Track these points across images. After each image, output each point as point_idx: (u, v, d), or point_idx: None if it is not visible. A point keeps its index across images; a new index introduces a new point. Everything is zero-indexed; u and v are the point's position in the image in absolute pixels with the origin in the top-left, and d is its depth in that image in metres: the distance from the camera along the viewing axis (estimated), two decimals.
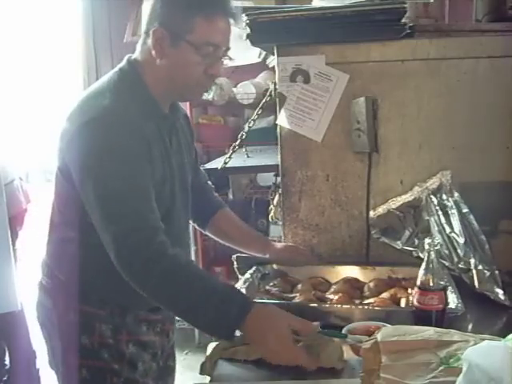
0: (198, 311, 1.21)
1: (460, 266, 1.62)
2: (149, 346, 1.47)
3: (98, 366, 1.39)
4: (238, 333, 1.26)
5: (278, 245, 1.77)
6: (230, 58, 1.39)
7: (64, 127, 1.34)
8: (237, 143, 2.15)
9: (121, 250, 1.23)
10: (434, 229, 1.71)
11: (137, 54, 1.40)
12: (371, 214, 1.82)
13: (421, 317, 1.30)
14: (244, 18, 1.72)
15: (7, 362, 1.87)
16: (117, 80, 1.37)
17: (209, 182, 1.75)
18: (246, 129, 2.13)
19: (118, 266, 1.24)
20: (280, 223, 1.98)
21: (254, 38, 1.76)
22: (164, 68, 1.34)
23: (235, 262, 1.74)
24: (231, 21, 1.35)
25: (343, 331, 1.30)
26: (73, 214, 1.36)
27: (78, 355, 1.38)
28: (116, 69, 1.41)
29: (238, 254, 1.74)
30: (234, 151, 2.17)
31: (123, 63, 1.41)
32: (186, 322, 1.26)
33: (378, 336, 1.01)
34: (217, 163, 2.29)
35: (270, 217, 2.38)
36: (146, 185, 1.28)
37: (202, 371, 1.29)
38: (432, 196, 1.74)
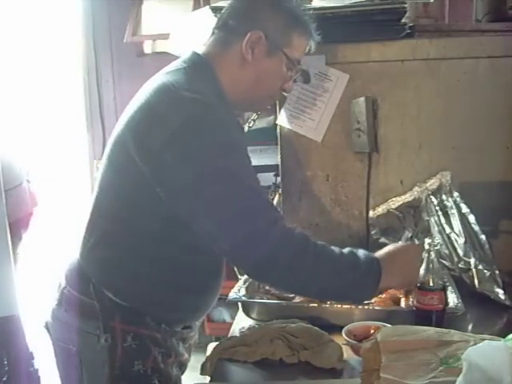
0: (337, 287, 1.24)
1: (460, 265, 1.62)
2: (184, 365, 1.41)
3: None
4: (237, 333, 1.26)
5: None
6: (297, 76, 1.40)
7: (148, 122, 1.20)
8: None
9: (261, 248, 1.14)
10: (434, 229, 1.71)
11: (207, 51, 1.31)
12: (371, 213, 1.82)
13: (421, 317, 1.30)
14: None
15: (6, 363, 1.87)
16: (195, 74, 1.25)
17: None
18: (246, 129, 2.13)
19: (254, 269, 1.18)
20: None
21: None
22: (248, 73, 1.29)
23: None
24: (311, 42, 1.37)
25: (343, 331, 1.30)
26: (145, 224, 1.24)
27: (130, 383, 1.27)
28: (181, 62, 1.28)
29: None
30: None
31: (189, 56, 1.30)
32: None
33: (378, 336, 1.01)
34: None
35: None
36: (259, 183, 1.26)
37: (203, 371, 1.29)
38: (432, 196, 1.74)
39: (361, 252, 1.26)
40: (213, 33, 1.33)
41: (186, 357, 1.42)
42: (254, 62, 1.27)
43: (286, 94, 1.41)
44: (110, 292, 1.25)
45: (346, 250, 1.25)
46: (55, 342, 1.36)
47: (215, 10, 1.65)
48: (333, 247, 1.23)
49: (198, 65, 1.28)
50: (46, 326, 1.37)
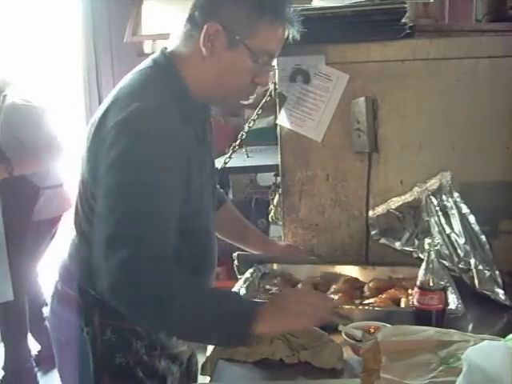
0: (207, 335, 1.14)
1: (460, 266, 1.62)
2: (178, 357, 1.40)
3: None
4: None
5: (278, 243, 1.77)
6: (274, 68, 1.33)
7: (95, 128, 1.21)
8: (237, 143, 2.15)
9: (124, 274, 1.06)
10: (434, 229, 1.71)
11: (175, 46, 1.26)
12: (370, 213, 1.82)
13: (421, 317, 1.30)
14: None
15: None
16: (152, 76, 1.23)
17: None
18: (246, 129, 2.13)
19: (112, 289, 1.07)
20: (280, 223, 1.98)
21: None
22: (211, 68, 1.22)
23: (236, 260, 1.74)
24: (289, 30, 1.26)
25: (343, 331, 1.30)
26: None
27: (113, 375, 1.28)
28: (148, 62, 1.26)
29: (239, 252, 1.74)
30: (233, 151, 2.17)
31: (157, 55, 1.27)
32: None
33: (378, 336, 1.01)
34: (217, 163, 2.28)
35: (270, 217, 2.38)
36: (170, 207, 1.14)
37: (203, 371, 1.29)
38: (432, 197, 1.74)
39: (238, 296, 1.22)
40: (184, 25, 1.25)
41: (183, 349, 1.41)
42: (214, 56, 1.21)
43: (262, 87, 1.32)
44: (91, 289, 1.24)
45: (222, 291, 1.19)
46: (52, 333, 1.41)
47: None
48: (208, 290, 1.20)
49: (161, 65, 1.24)
50: (47, 319, 1.43)
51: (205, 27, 1.19)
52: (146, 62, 1.27)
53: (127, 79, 1.26)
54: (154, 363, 1.32)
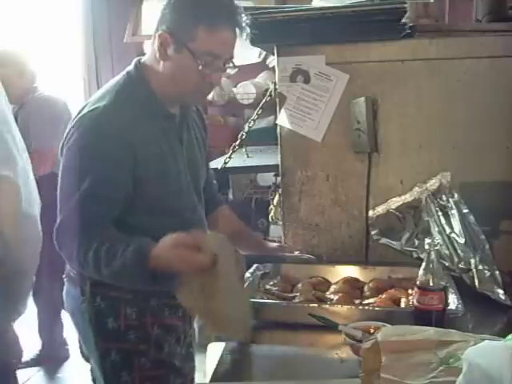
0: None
1: (460, 266, 1.62)
2: (172, 329, 1.50)
3: (125, 348, 1.44)
4: None
5: (270, 243, 1.79)
6: (234, 66, 1.42)
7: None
8: (237, 143, 2.16)
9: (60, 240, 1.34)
10: (434, 229, 1.71)
11: (146, 57, 1.44)
12: (370, 213, 1.82)
13: (421, 317, 1.30)
14: (244, 17, 1.72)
15: None
16: (122, 83, 1.41)
17: (214, 182, 1.76)
18: (246, 129, 2.13)
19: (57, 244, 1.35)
20: (280, 223, 1.98)
21: (254, 38, 1.76)
22: (166, 71, 1.38)
23: None
24: (237, 31, 1.37)
25: (343, 331, 1.30)
26: None
27: (107, 339, 1.44)
28: (124, 72, 1.45)
29: None
30: (233, 151, 2.17)
31: (131, 66, 1.45)
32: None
33: (378, 336, 1.01)
34: (217, 163, 2.29)
35: (270, 217, 2.38)
36: (108, 193, 1.34)
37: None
38: (432, 197, 1.74)
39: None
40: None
41: (177, 323, 1.51)
42: (167, 61, 1.37)
43: (216, 85, 1.45)
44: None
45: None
46: (69, 310, 1.55)
47: None
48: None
49: (132, 75, 1.42)
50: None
51: (157, 36, 1.36)
52: (122, 73, 1.45)
53: (105, 86, 1.45)
54: (146, 329, 1.45)
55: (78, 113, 1.40)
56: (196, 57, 1.33)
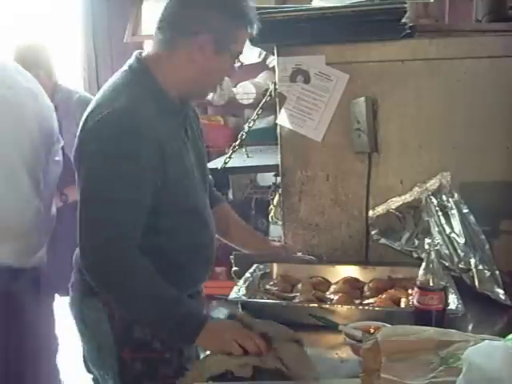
0: (160, 322, 1.31)
1: (460, 266, 1.62)
2: None
3: (151, 357, 1.42)
4: None
5: (272, 243, 1.79)
6: (240, 61, 1.46)
7: (80, 129, 1.36)
8: (237, 143, 2.15)
9: (94, 258, 1.30)
10: (434, 229, 1.71)
11: (153, 50, 1.40)
12: (370, 213, 1.82)
13: (421, 317, 1.30)
14: None
15: None
16: (129, 80, 1.37)
17: (210, 176, 1.74)
18: (246, 129, 2.13)
19: (86, 268, 1.32)
20: (280, 223, 1.98)
21: (254, 38, 1.76)
22: (196, 69, 1.37)
23: (233, 262, 1.74)
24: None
25: (343, 331, 1.30)
26: None
27: (133, 349, 1.41)
28: (125, 68, 1.41)
29: (236, 252, 1.74)
30: (233, 151, 2.17)
31: (132, 61, 1.41)
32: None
33: (378, 336, 1.01)
34: (217, 163, 2.28)
35: (270, 217, 2.38)
36: (142, 193, 1.31)
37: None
38: (432, 197, 1.74)
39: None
40: (158, 33, 1.39)
41: None
42: (202, 61, 1.36)
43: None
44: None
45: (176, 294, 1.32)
46: (74, 318, 1.52)
47: None
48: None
49: (135, 69, 1.38)
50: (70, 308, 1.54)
51: (198, 37, 1.33)
52: (123, 68, 1.41)
53: (105, 86, 1.40)
54: None
55: (87, 118, 1.33)
56: (234, 57, 1.40)
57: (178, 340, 1.37)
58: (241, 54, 1.42)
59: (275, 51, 1.82)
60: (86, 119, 1.34)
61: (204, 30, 1.33)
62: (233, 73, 1.46)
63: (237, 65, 1.44)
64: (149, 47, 1.43)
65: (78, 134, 1.36)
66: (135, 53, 1.43)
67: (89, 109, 1.36)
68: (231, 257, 1.74)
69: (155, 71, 1.38)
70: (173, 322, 1.29)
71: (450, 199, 1.71)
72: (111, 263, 1.28)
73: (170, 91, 1.38)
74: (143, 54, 1.42)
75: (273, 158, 2.19)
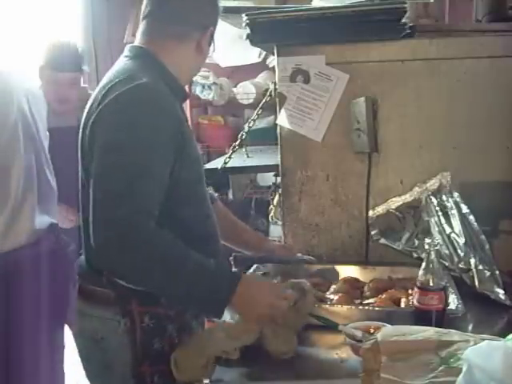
0: (187, 289, 1.22)
1: (460, 266, 1.62)
2: None
3: (166, 370, 1.29)
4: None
5: (273, 242, 1.78)
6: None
7: (93, 105, 1.31)
8: (237, 143, 2.15)
9: (112, 233, 1.16)
10: (434, 229, 1.71)
11: (158, 40, 1.39)
12: (370, 213, 1.82)
13: (421, 317, 1.30)
14: (244, 17, 1.73)
15: None
16: (139, 65, 1.34)
17: None
18: (246, 129, 2.13)
19: (100, 245, 1.17)
20: (280, 223, 1.98)
21: (254, 38, 1.77)
22: (198, 59, 1.45)
23: (233, 264, 1.74)
24: None
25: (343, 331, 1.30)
26: None
27: (152, 362, 1.33)
28: (127, 56, 1.38)
29: (236, 254, 1.74)
30: (233, 151, 2.17)
31: (133, 50, 1.39)
32: (176, 302, 1.32)
33: (378, 336, 1.01)
34: (217, 163, 2.29)
35: (270, 217, 2.39)
36: (161, 171, 1.24)
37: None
38: (432, 197, 1.74)
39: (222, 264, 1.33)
40: (164, 25, 1.40)
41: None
42: (206, 52, 1.46)
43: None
44: (122, 281, 1.29)
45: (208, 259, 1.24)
46: (78, 333, 1.45)
47: None
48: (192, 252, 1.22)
49: (142, 56, 1.38)
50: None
51: (207, 30, 1.41)
52: (123, 58, 1.39)
53: (110, 73, 1.35)
54: None
55: (105, 94, 1.27)
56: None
57: (211, 306, 1.26)
58: None
59: (275, 51, 1.82)
60: (104, 95, 1.28)
61: (210, 24, 1.42)
62: None
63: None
64: (142, 38, 1.40)
65: (89, 110, 1.31)
66: (129, 45, 1.42)
67: (101, 90, 1.30)
68: (230, 258, 1.74)
69: (163, 59, 1.38)
70: (206, 283, 1.21)
71: (450, 199, 1.71)
72: (131, 238, 1.16)
73: (178, 78, 1.42)
74: (141, 45, 1.40)
75: (273, 157, 2.19)
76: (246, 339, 1.26)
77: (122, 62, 1.38)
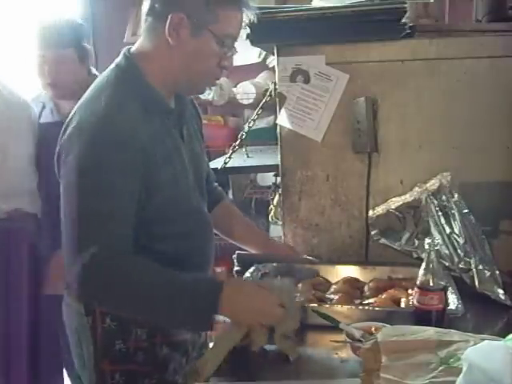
0: (169, 311, 1.22)
1: (460, 266, 1.62)
2: (181, 345, 1.43)
3: (131, 369, 1.37)
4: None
5: (278, 243, 1.78)
6: (236, 51, 1.37)
7: (62, 132, 1.30)
8: (237, 143, 2.15)
9: (86, 274, 1.18)
10: (434, 229, 1.71)
11: (139, 44, 1.34)
12: (370, 213, 1.82)
13: (421, 317, 1.30)
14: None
15: None
16: (114, 79, 1.30)
17: (211, 171, 1.72)
18: (246, 129, 2.13)
19: (77, 288, 1.22)
20: (280, 223, 1.98)
21: (254, 38, 1.76)
22: (178, 56, 1.29)
23: (235, 261, 1.74)
24: (246, 13, 1.34)
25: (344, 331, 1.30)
26: None
27: (112, 361, 1.36)
28: (113, 65, 1.34)
29: (239, 252, 1.74)
30: (234, 151, 2.17)
31: (120, 58, 1.34)
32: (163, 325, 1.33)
33: (378, 336, 1.01)
34: (217, 163, 2.28)
35: (270, 217, 2.38)
36: (124, 205, 1.23)
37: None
38: (432, 197, 1.74)
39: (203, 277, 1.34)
40: (145, 20, 1.32)
41: (186, 337, 1.44)
42: (180, 45, 1.27)
43: (225, 70, 1.37)
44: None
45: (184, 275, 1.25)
46: (66, 321, 1.50)
47: None
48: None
49: (122, 66, 1.32)
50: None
51: (169, 17, 1.24)
52: (111, 67, 1.35)
53: (92, 84, 1.34)
54: (154, 350, 1.38)
55: (71, 120, 1.27)
56: (219, 39, 1.28)
57: (196, 325, 1.26)
58: (232, 38, 1.32)
59: (275, 51, 1.82)
60: (68, 122, 1.28)
61: (177, 10, 1.24)
62: (225, 61, 1.34)
63: (228, 52, 1.33)
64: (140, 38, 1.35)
65: (60, 137, 1.30)
66: (124, 49, 1.36)
67: (73, 109, 1.31)
68: (234, 256, 1.74)
69: (143, 66, 1.30)
70: (185, 306, 1.21)
71: (450, 199, 1.71)
72: (104, 275, 1.19)
73: (159, 88, 1.31)
74: (131, 50, 1.35)
75: (273, 158, 2.19)
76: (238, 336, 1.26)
77: (103, 74, 1.35)
